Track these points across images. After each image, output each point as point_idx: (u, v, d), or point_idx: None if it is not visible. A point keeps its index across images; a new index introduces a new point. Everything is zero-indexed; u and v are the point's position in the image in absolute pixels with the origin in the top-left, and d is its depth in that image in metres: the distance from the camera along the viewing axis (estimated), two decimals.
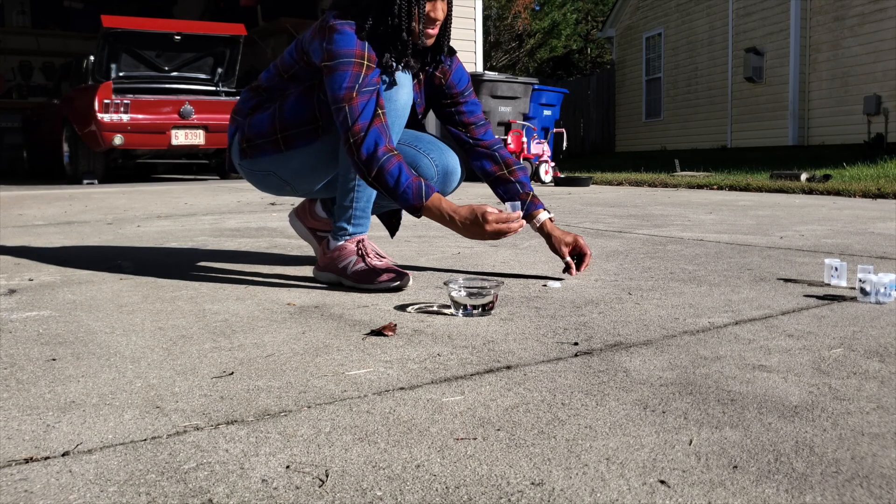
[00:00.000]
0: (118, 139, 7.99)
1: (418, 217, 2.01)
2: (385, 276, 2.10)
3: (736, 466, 0.95)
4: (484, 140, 2.30)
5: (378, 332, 1.62)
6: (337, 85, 1.96)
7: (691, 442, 1.03)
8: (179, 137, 8.39)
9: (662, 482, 0.91)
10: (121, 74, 8.57)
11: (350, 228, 2.17)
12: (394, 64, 2.03)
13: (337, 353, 1.48)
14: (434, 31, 2.07)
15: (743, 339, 1.56)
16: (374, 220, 2.38)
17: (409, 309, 1.87)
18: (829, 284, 2.10)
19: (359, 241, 2.16)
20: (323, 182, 2.25)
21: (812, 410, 1.14)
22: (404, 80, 2.09)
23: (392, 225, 2.52)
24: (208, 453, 1.00)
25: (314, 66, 2.08)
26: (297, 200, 3.84)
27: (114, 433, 1.07)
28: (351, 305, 1.92)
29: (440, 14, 2.04)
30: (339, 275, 2.16)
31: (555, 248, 2.26)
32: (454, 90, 2.26)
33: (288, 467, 0.96)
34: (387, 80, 2.03)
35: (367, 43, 1.98)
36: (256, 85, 2.25)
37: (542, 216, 2.27)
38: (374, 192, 2.18)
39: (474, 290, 1.80)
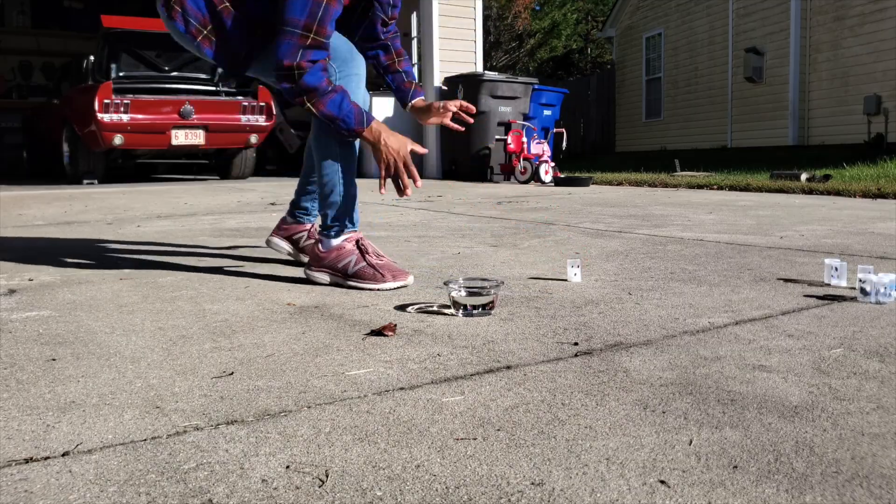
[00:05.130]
0: (118, 139, 7.99)
1: (353, 140, 2.09)
2: (386, 276, 2.10)
3: (736, 466, 0.95)
4: (389, 32, 2.41)
5: (378, 332, 1.62)
6: (299, 8, 1.92)
7: (691, 442, 1.03)
8: (179, 137, 8.39)
9: (662, 482, 0.91)
10: (121, 74, 8.56)
11: (346, 223, 2.17)
12: None
13: (337, 353, 1.48)
14: None
15: (743, 339, 1.56)
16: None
17: (409, 309, 1.87)
18: (829, 284, 2.10)
19: (357, 240, 2.16)
20: None
21: (812, 410, 1.14)
22: None
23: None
24: (208, 453, 1.00)
25: None
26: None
27: (114, 433, 1.07)
28: (351, 305, 1.92)
29: None
30: (339, 274, 2.16)
31: (425, 112, 2.38)
32: None
33: (288, 467, 0.96)
34: None
35: None
36: None
37: (418, 100, 2.41)
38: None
39: (474, 290, 1.80)
